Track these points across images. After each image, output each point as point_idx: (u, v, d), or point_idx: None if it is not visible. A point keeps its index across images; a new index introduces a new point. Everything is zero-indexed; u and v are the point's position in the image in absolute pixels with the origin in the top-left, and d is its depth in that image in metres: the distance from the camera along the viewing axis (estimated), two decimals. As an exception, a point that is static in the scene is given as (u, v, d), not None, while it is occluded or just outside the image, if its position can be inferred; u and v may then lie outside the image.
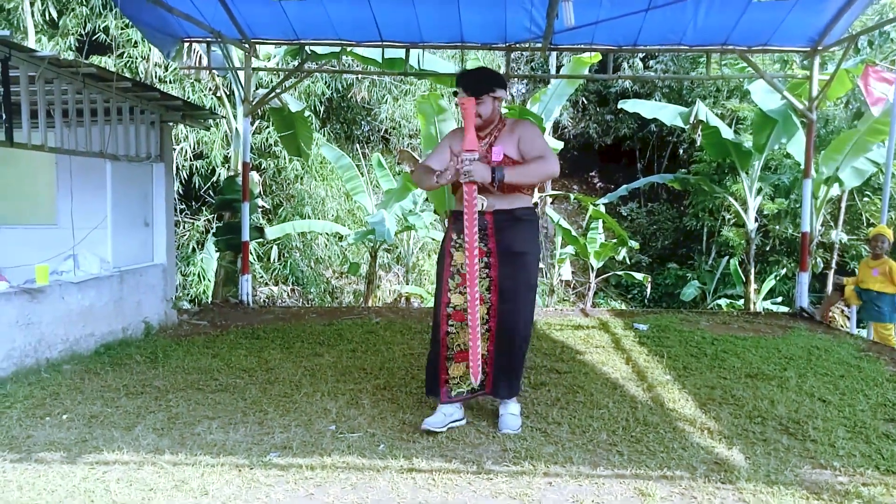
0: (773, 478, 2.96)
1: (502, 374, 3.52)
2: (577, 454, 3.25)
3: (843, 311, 10.29)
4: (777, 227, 12.56)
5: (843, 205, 11.39)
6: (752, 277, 10.43)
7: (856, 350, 5.57)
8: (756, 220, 10.60)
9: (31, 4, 10.88)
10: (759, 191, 10.63)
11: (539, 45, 7.47)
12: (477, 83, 3.46)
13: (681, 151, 17.82)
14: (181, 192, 12.08)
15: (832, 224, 11.54)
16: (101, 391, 4.31)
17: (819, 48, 7.33)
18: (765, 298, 12.87)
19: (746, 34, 7.17)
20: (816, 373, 4.79)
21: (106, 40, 11.67)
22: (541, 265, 15.39)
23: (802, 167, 7.92)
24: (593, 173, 21.16)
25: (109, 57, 11.64)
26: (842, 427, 3.65)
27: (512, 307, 3.45)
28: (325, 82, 13.14)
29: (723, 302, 13.92)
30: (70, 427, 3.65)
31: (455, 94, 3.50)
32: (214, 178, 12.16)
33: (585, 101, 19.43)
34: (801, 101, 7.74)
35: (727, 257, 14.33)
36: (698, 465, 3.12)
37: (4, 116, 4.50)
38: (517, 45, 7.59)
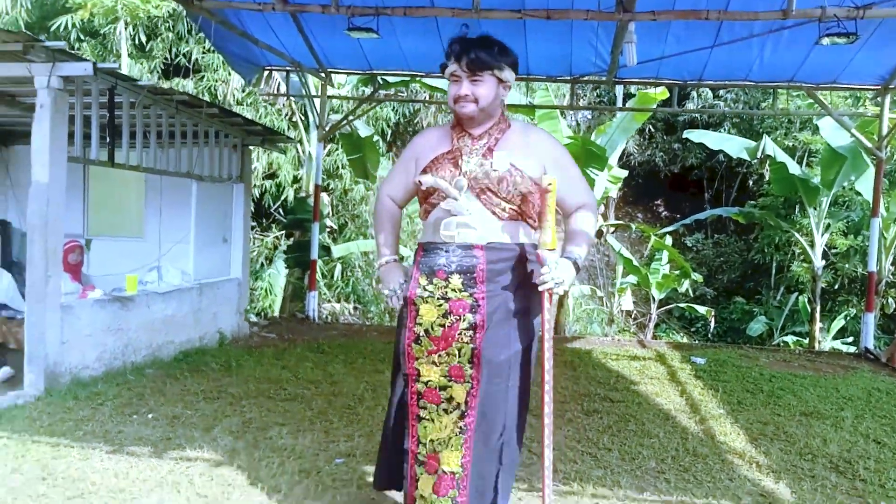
0: (819, 513, 3.03)
1: (476, 494, 2.39)
2: (625, 479, 3.39)
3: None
4: (846, 265, 12.23)
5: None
6: (817, 315, 10.21)
7: (924, 394, 5.48)
8: (823, 257, 10.41)
9: (125, 28, 11.70)
10: (827, 227, 10.43)
11: (604, 78, 7.64)
12: (479, 53, 2.35)
13: (750, 183, 17.53)
14: (252, 209, 12.67)
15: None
16: (182, 394, 4.67)
17: (890, 86, 7.25)
18: (835, 338, 12.53)
19: (814, 71, 7.17)
20: (874, 414, 4.76)
21: (186, 64, 12.42)
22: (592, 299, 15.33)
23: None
24: (659, 202, 20.97)
25: (191, 80, 12.39)
26: (894, 468, 3.66)
27: (503, 390, 2.39)
28: (393, 108, 13.59)
29: (789, 339, 13.60)
30: (155, 425, 4.00)
31: (443, 68, 2.45)
32: (283, 198, 12.71)
33: (652, 129, 19.35)
34: (870, 139, 7.65)
35: (796, 294, 14.00)
36: (743, 497, 3.21)
37: (108, 139, 4.97)
38: (582, 78, 7.77)
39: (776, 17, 4.79)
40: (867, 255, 7.73)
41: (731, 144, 10.35)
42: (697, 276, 13.62)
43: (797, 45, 6.62)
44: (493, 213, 2.36)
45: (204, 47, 12.12)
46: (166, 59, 12.43)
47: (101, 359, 5.00)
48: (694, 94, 17.10)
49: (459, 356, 2.37)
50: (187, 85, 12.10)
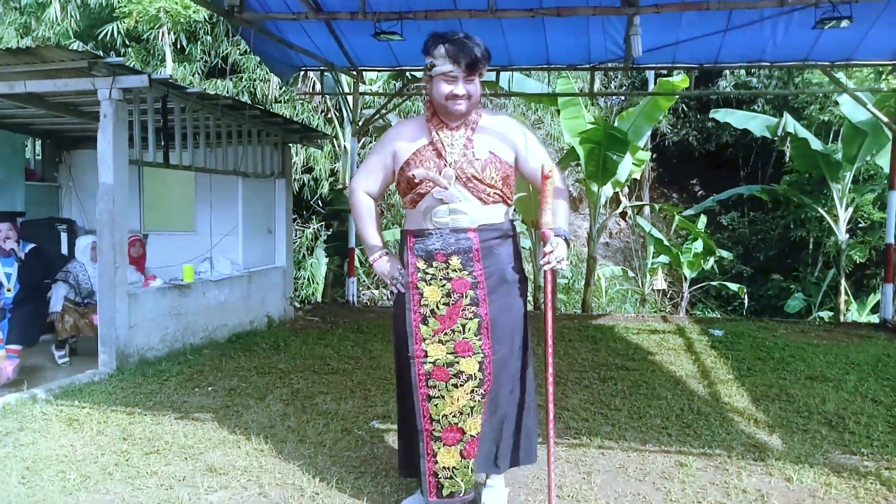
0: (801, 459, 3.39)
1: (508, 444, 2.73)
2: (631, 433, 3.79)
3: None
4: (872, 239, 12.27)
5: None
6: (842, 288, 10.35)
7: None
8: (851, 232, 10.52)
9: (169, 33, 12.33)
10: (852, 201, 10.53)
11: (622, 65, 7.92)
12: (476, 56, 2.53)
13: (786, 159, 17.49)
14: (293, 203, 13.26)
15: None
16: (236, 370, 5.20)
17: (905, 62, 7.40)
18: (872, 312, 12.58)
19: (828, 49, 7.34)
20: (878, 377, 5.04)
21: (223, 66, 13.01)
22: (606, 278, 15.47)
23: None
24: (694, 181, 20.99)
25: (230, 80, 12.99)
26: (884, 423, 3.98)
27: (509, 352, 2.67)
28: (423, 100, 14.01)
29: (825, 314, 13.66)
30: (214, 396, 4.53)
31: (430, 68, 2.58)
32: (321, 191, 13.26)
33: (686, 109, 19.35)
34: (889, 114, 7.79)
35: (833, 270, 14.02)
36: (736, 447, 3.58)
37: (163, 142, 5.51)
38: (600, 66, 8.08)
39: (773, 4, 5.06)
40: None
41: (755, 123, 10.51)
42: (726, 254, 13.76)
43: (807, 25, 6.82)
44: (480, 198, 2.58)
45: (241, 49, 12.70)
46: (206, 61, 13.06)
47: (163, 340, 5.58)
48: (727, 72, 17.06)
49: (465, 332, 2.59)
50: (227, 85, 12.71)
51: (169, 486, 3.08)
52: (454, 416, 2.61)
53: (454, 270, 2.61)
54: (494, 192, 2.62)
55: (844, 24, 5.26)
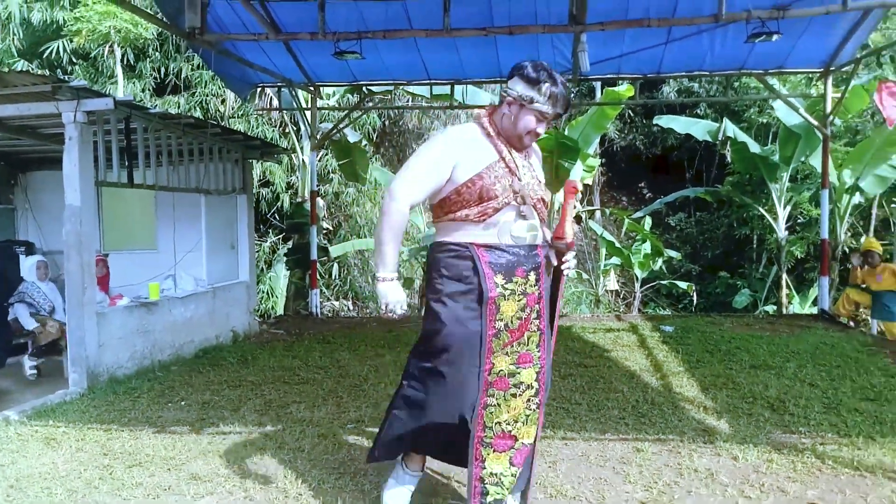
0: (746, 439, 3.70)
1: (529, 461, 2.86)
2: (591, 424, 4.05)
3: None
4: (809, 235, 12.95)
5: (874, 212, 11.77)
6: (783, 283, 10.91)
7: (861, 345, 6.16)
8: (791, 230, 11.12)
9: (113, 50, 12.21)
10: (790, 200, 11.13)
11: (570, 77, 8.27)
12: (569, 107, 2.78)
13: (728, 161, 18.21)
14: (251, 216, 13.28)
15: (862, 231, 11.92)
16: (207, 384, 5.30)
17: (831, 69, 7.92)
18: (813, 304, 13.23)
19: (761, 59, 7.83)
20: (816, 364, 5.43)
21: (176, 82, 12.96)
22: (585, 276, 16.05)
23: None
24: (643, 185, 21.63)
25: (182, 96, 12.95)
26: (820, 404, 4.34)
27: (549, 364, 2.82)
28: (379, 113, 14.20)
29: (770, 308, 14.30)
30: (189, 410, 4.63)
31: (528, 100, 2.62)
32: (279, 204, 13.31)
33: (632, 115, 19.97)
34: (818, 118, 8.31)
35: (776, 266, 14.68)
36: (688, 431, 3.87)
37: (127, 162, 5.59)
38: (550, 78, 8.40)
39: (709, 21, 5.43)
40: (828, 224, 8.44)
41: (697, 128, 11.01)
42: (674, 254, 14.29)
43: (743, 37, 7.27)
44: (541, 217, 2.75)
45: (193, 65, 12.69)
46: (156, 77, 12.99)
47: (132, 358, 5.64)
48: (671, 80, 17.70)
49: (528, 344, 2.68)
50: (179, 101, 12.68)
51: (156, 496, 3.20)
52: (508, 424, 2.69)
53: (530, 286, 2.67)
54: (543, 213, 2.78)
55: (774, 38, 5.65)
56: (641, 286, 14.93)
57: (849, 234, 11.02)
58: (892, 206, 11.33)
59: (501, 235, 2.64)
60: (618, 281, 16.55)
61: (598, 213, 18.50)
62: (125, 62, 12.76)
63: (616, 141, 19.77)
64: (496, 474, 2.68)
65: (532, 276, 2.67)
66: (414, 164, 2.67)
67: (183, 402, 4.82)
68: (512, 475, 2.71)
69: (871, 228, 11.96)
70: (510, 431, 2.69)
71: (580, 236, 20.34)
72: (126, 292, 6.37)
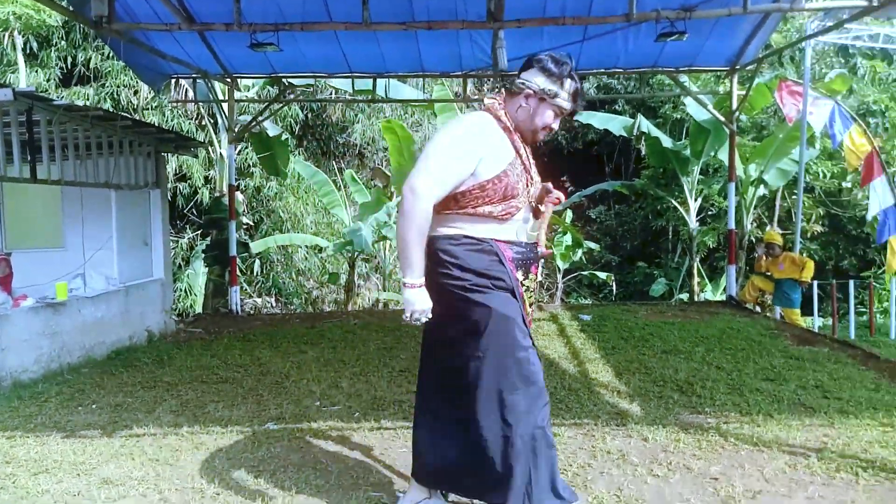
0: (656, 421, 3.87)
1: None
2: (511, 412, 4.14)
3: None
4: (720, 226, 13.61)
5: (778, 203, 12.49)
6: (694, 271, 11.43)
7: (765, 329, 6.53)
8: (702, 221, 11.66)
9: (13, 37, 11.53)
10: (701, 192, 11.66)
11: (491, 72, 8.39)
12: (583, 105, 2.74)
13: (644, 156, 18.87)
14: (167, 212, 12.81)
15: (767, 221, 12.63)
16: (120, 387, 5.11)
17: (736, 67, 8.33)
18: (724, 291, 13.90)
19: (673, 57, 8.15)
20: (723, 348, 5.73)
21: (85, 72, 12.35)
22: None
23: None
24: (564, 178, 22.16)
25: (91, 87, 12.35)
26: (725, 385, 4.59)
27: None
28: (302, 106, 13.98)
29: (684, 296, 14.94)
30: (100, 413, 4.46)
31: (550, 94, 2.55)
32: (197, 199, 12.92)
33: (554, 109, 20.36)
34: (726, 114, 8.74)
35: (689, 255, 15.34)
36: (602, 415, 4.02)
37: (30, 157, 5.30)
38: (471, 73, 8.50)
39: (621, 20, 5.62)
40: (736, 215, 8.89)
41: (614, 123, 11.37)
42: (594, 245, 14.72)
43: (654, 36, 7.56)
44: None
45: (103, 54, 12.12)
46: (62, 67, 12.35)
47: (38, 361, 5.37)
48: (590, 76, 18.15)
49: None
50: (88, 93, 12.09)
51: (64, 503, 3.08)
52: None
53: (535, 282, 2.68)
54: None
55: (682, 37, 5.90)
56: (563, 277, 15.31)
57: (755, 224, 11.66)
58: (794, 197, 12.01)
59: (520, 233, 2.57)
60: (541, 272, 16.89)
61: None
62: (27, 50, 12.07)
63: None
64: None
65: (537, 274, 2.68)
66: (437, 157, 2.45)
67: (94, 406, 4.63)
68: None
69: (776, 219, 12.67)
70: None
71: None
72: (31, 293, 6.04)
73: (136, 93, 12.04)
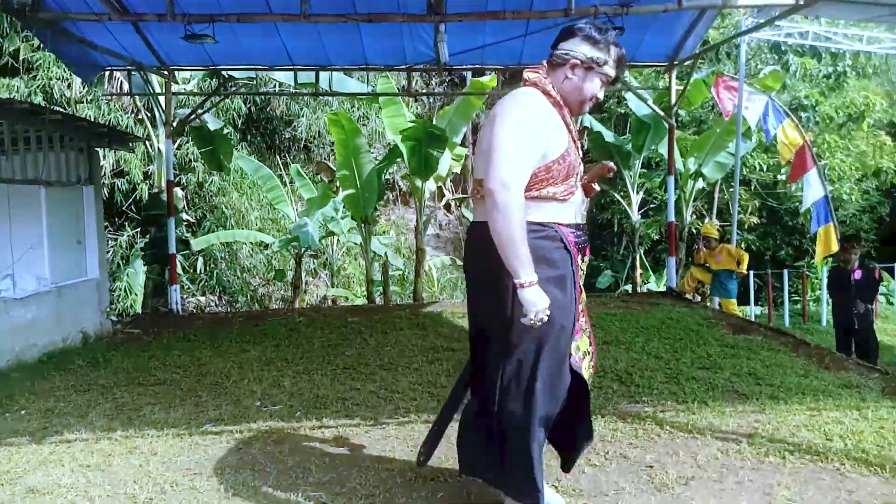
0: (595, 410, 3.92)
1: None
2: (454, 407, 4.14)
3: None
4: (661, 218, 13.95)
5: (716, 195, 12.86)
6: (637, 263, 11.68)
7: (703, 319, 6.71)
8: (640, 213, 11.92)
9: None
10: (643, 186, 11.91)
11: (435, 66, 8.37)
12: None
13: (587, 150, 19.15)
14: (103, 209, 12.37)
15: (706, 213, 13.00)
16: (52, 391, 4.92)
17: (675, 63, 8.51)
18: (666, 283, 14.27)
19: (613, 52, 8.26)
20: (662, 338, 5.86)
21: (14, 63, 11.82)
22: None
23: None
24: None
25: (21, 79, 11.82)
26: (663, 374, 4.69)
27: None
28: (245, 98, 13.69)
29: (629, 287, 15.24)
30: (29, 419, 4.28)
31: (599, 63, 2.48)
32: (136, 195, 12.53)
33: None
34: (663, 109, 8.93)
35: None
36: (544, 407, 4.06)
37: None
38: (415, 67, 8.46)
39: (560, 14, 5.67)
40: (677, 207, 9.12)
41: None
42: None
43: (594, 32, 7.67)
44: None
45: (33, 45, 11.62)
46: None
47: (-38, 367, 5.13)
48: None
49: (580, 316, 2.57)
50: (18, 85, 11.57)
51: (-15, 514, 2.95)
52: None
53: (586, 264, 2.61)
54: None
55: (620, 32, 5.98)
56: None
57: (694, 216, 11.96)
58: (731, 190, 12.38)
59: (577, 214, 2.51)
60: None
61: (472, 201, 18.92)
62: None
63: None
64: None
65: (588, 256, 2.62)
66: (511, 144, 2.32)
67: (23, 412, 4.45)
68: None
69: (714, 211, 13.04)
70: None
71: (455, 224, 20.73)
72: (-45, 295, 5.78)
73: (69, 86, 11.58)
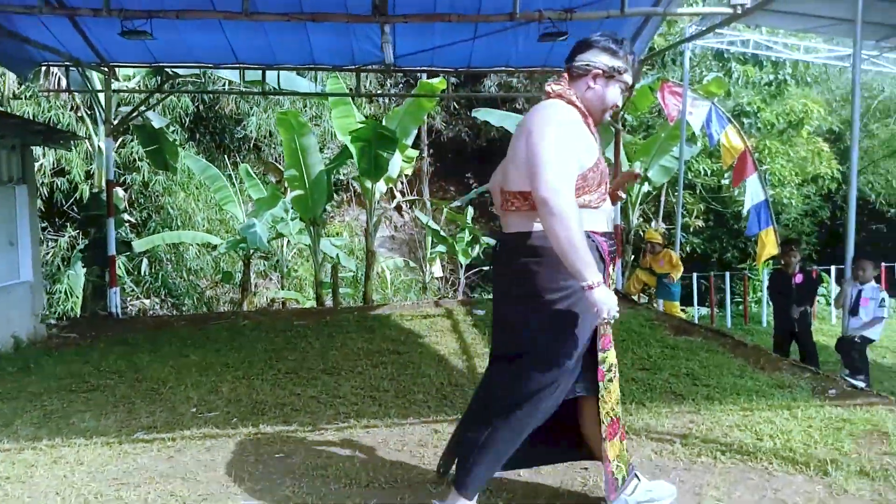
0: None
1: None
2: (395, 410, 4.12)
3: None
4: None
5: (663, 199, 13.12)
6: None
7: (646, 321, 6.82)
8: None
9: None
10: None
11: (383, 67, 8.32)
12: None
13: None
14: (42, 209, 11.96)
15: (652, 217, 13.26)
16: (-25, 399, 4.71)
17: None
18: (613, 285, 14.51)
19: (561, 57, 8.06)
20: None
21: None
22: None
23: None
24: (469, 174, 22.38)
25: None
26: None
27: None
28: (192, 97, 13.40)
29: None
30: (-51, 429, 4.09)
31: (620, 71, 2.55)
32: (77, 195, 12.14)
33: (457, 107, 20.52)
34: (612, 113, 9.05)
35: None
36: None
37: None
38: (364, 67, 8.40)
39: (505, 18, 5.69)
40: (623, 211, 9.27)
41: (509, 121, 11.53)
42: (491, 241, 14.96)
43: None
44: None
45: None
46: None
47: None
48: (493, 74, 18.41)
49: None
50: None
51: None
52: (613, 410, 2.62)
53: (614, 271, 2.63)
54: None
55: (564, 37, 6.04)
56: (466, 272, 15.47)
57: (641, 219, 12.18)
58: (676, 194, 12.67)
59: (608, 223, 2.57)
60: (445, 268, 17.03)
61: (428, 203, 18.90)
62: None
63: (443, 132, 20.27)
64: (619, 456, 2.64)
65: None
66: (553, 153, 2.35)
67: (-58, 422, 4.24)
68: (625, 450, 2.68)
69: (661, 215, 13.30)
70: (616, 415, 2.63)
71: (410, 226, 20.68)
72: None
73: (2, 81, 11.16)
